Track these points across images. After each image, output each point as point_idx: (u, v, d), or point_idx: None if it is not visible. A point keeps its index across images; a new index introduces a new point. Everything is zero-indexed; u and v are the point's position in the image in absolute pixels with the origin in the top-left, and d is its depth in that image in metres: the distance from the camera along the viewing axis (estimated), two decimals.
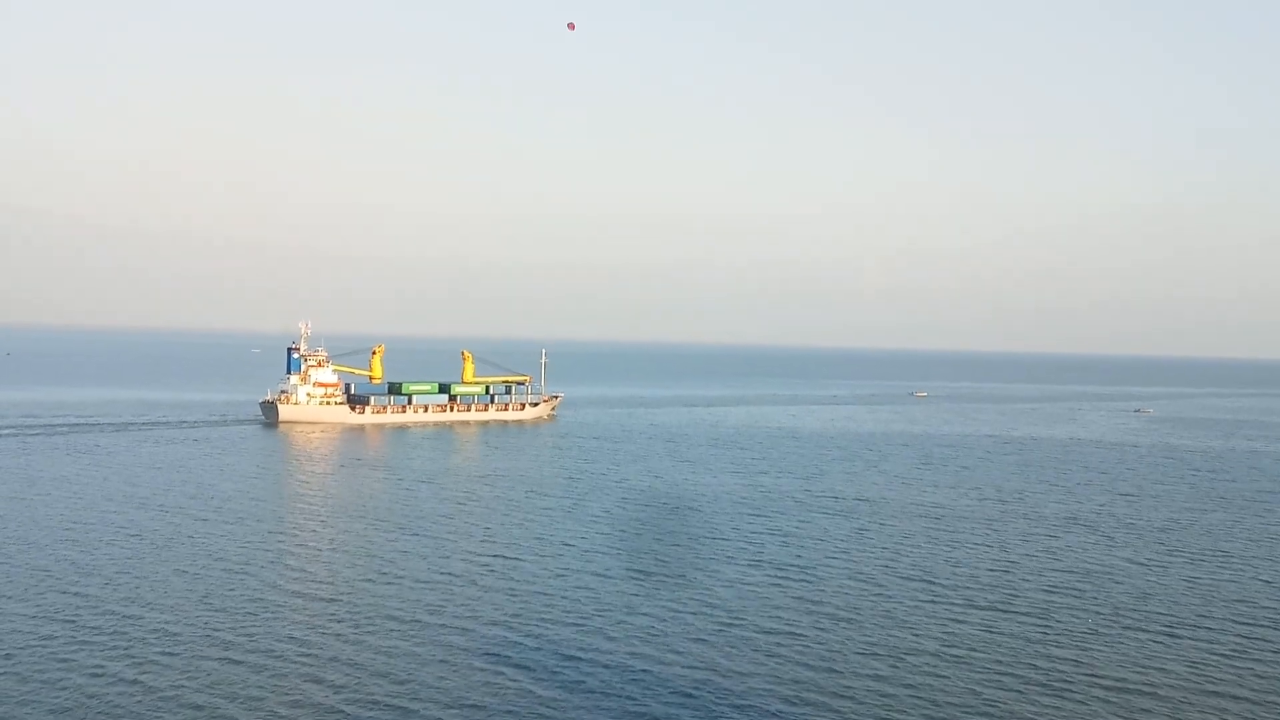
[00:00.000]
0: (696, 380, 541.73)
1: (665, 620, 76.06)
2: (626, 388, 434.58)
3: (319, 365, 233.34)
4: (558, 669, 64.83)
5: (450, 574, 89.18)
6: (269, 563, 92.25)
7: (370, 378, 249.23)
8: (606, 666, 65.55)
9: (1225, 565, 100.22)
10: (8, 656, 64.68)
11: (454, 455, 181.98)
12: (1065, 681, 64.65)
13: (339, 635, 70.87)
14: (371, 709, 57.58)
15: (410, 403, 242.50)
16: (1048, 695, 62.15)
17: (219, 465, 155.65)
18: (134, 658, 65.04)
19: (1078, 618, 79.52)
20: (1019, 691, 62.70)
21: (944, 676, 65.12)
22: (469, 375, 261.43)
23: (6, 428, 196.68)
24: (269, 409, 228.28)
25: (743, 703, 59.70)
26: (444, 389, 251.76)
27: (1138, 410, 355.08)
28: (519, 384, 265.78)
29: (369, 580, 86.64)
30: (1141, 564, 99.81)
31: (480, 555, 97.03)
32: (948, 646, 71.35)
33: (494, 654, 67.40)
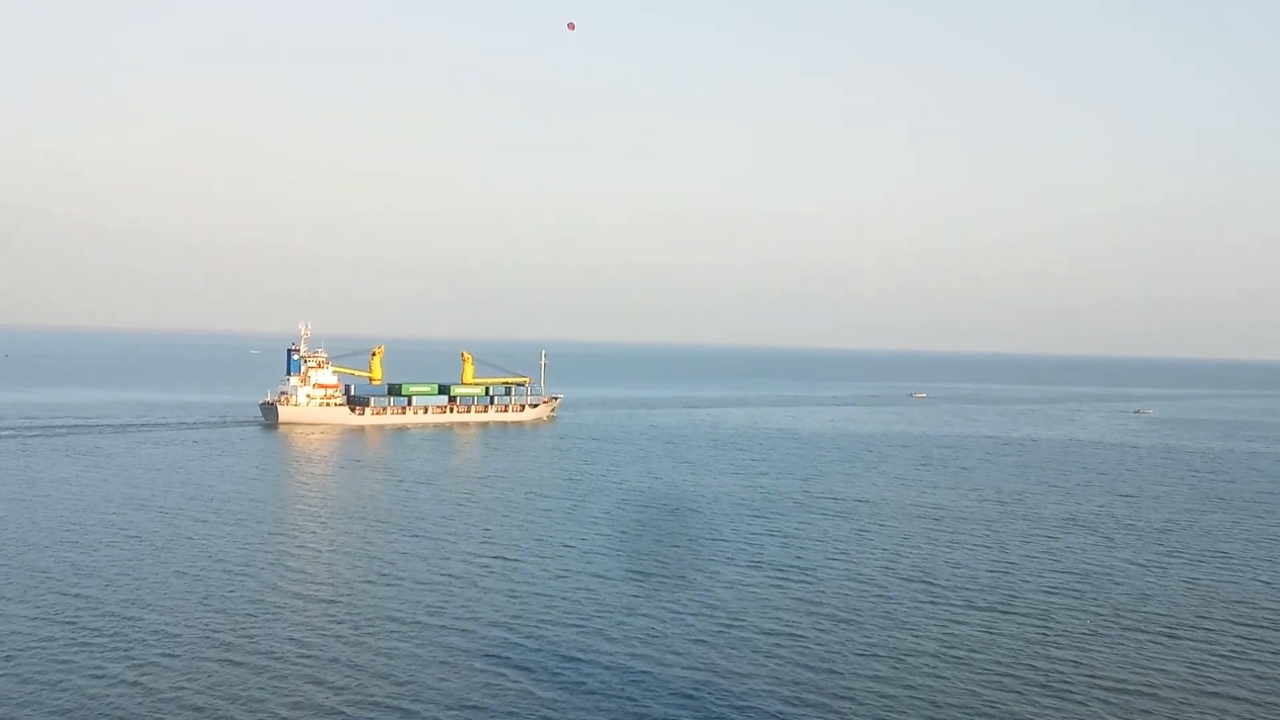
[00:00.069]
0: (696, 381, 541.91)
1: (665, 621, 76.11)
2: (626, 389, 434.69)
3: (319, 367, 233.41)
4: (558, 670, 64.88)
5: (450, 575, 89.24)
6: (269, 564, 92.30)
7: (370, 379, 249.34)
8: (607, 668, 65.60)
9: (1225, 566, 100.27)
10: (8, 658, 64.73)
11: (454, 456, 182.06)
12: (1065, 682, 64.69)
13: (339, 637, 70.92)
14: (372, 710, 57.62)
15: (410, 404, 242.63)
16: (1047, 696, 62.20)
17: (219, 467, 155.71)
18: (134, 659, 65.09)
19: (1077, 619, 79.57)
20: (1019, 692, 62.75)
21: (944, 677, 65.18)
22: (469, 376, 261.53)
23: (6, 429, 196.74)
24: (269, 410, 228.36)
25: (743, 704, 59.75)
26: (444, 390, 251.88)
27: (1137, 411, 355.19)
28: (519, 385, 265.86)
29: (369, 582, 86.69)
30: (1141, 565, 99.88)
31: (480, 557, 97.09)
32: (947, 648, 71.40)
33: (494, 655, 67.45)
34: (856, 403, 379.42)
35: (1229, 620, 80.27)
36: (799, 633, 74.16)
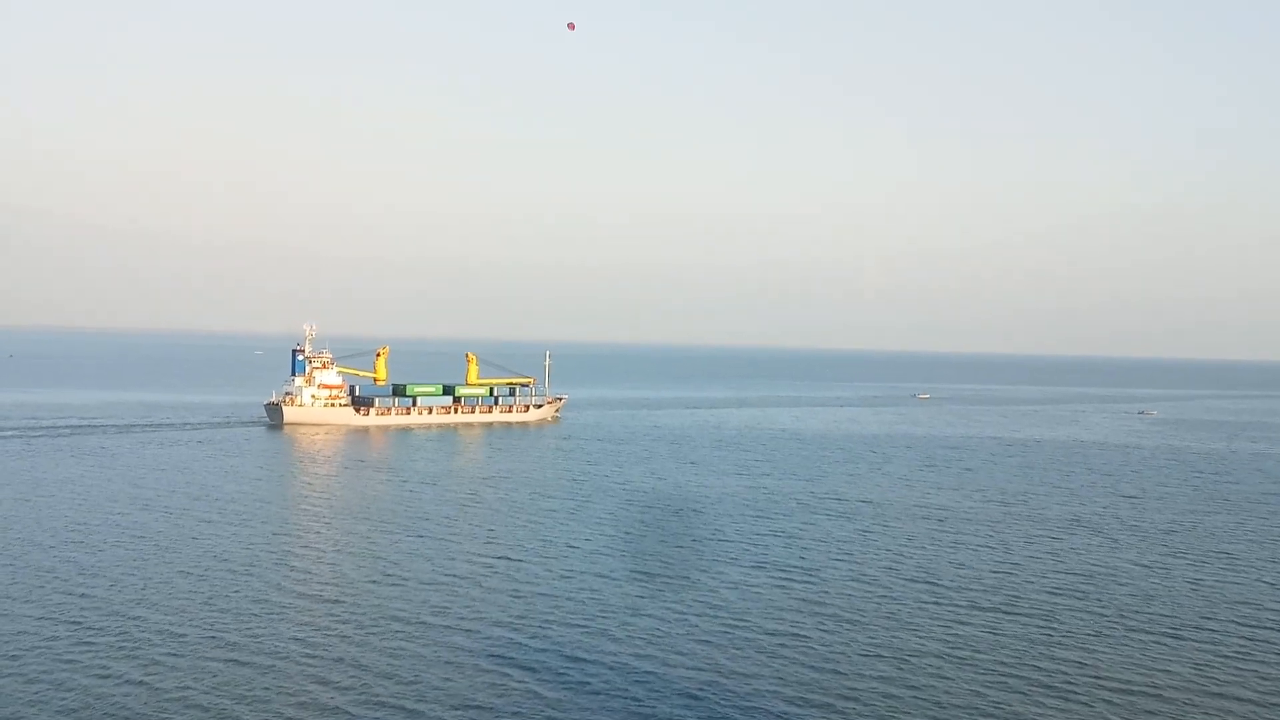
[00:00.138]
0: (697, 382, 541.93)
1: (670, 622, 76.18)
2: (627, 389, 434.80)
3: (324, 367, 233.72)
4: (563, 670, 64.97)
5: (455, 575, 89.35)
6: (274, 564, 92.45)
7: (375, 379, 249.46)
8: (611, 668, 65.69)
9: (1229, 567, 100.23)
10: (14, 658, 64.89)
11: (458, 457, 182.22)
12: (1069, 683, 64.71)
13: (344, 636, 71.04)
14: (377, 710, 57.73)
15: (414, 404, 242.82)
16: (1052, 697, 62.23)
17: (224, 467, 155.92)
18: (139, 659, 65.23)
19: (1081, 619, 79.57)
20: (1023, 693, 62.78)
21: (948, 678, 65.22)
22: (473, 377, 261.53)
23: (10, 429, 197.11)
24: (274, 411, 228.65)
25: (747, 704, 59.81)
26: (448, 391, 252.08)
27: (1141, 412, 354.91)
28: (523, 386, 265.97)
29: (374, 581, 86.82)
30: (1145, 566, 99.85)
31: (485, 557, 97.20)
32: (952, 648, 71.44)
33: (499, 655, 67.55)
34: (859, 403, 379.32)
35: (1233, 621, 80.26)
36: (803, 633, 74.23)
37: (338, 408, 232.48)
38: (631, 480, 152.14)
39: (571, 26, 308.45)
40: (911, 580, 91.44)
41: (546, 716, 57.34)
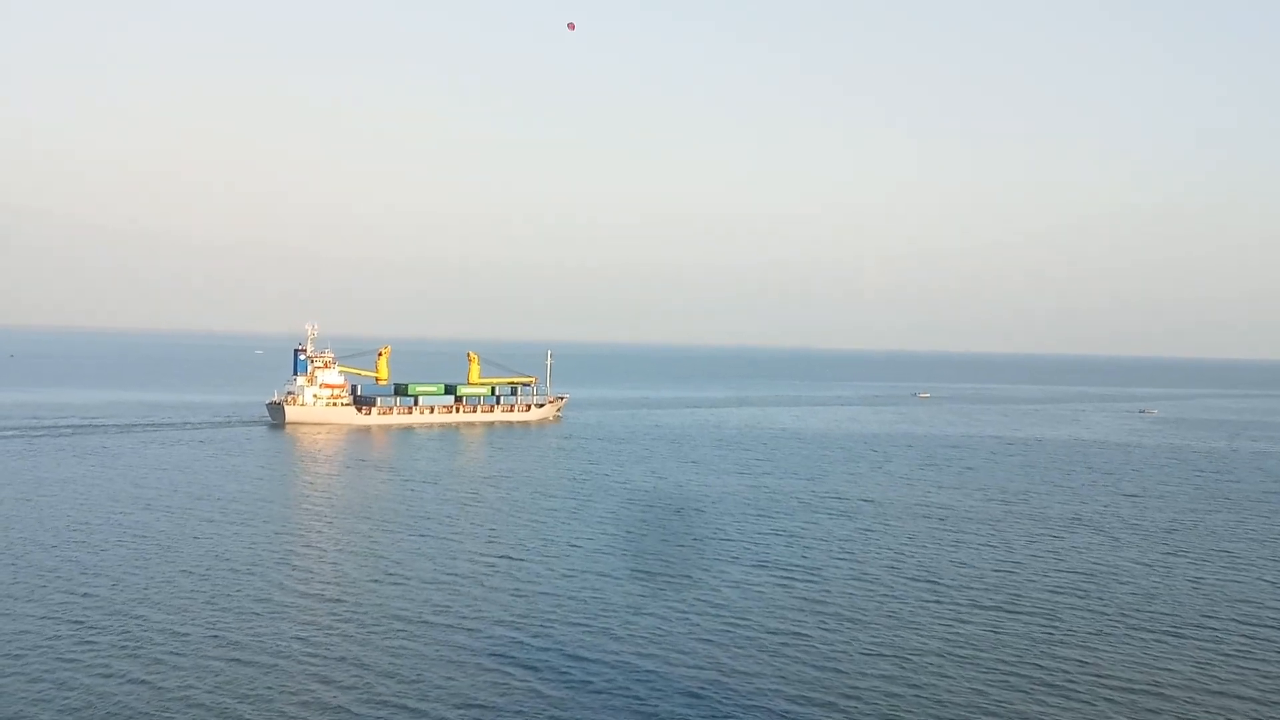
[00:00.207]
0: (698, 381, 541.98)
1: (671, 621, 76.26)
2: (628, 389, 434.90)
3: (325, 367, 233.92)
4: (564, 669, 65.04)
5: (456, 574, 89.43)
6: (276, 563, 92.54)
7: (376, 379, 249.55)
8: (613, 666, 65.75)
9: (1230, 566, 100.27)
10: (17, 657, 64.98)
11: (460, 456, 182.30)
12: (1071, 681, 64.77)
13: (346, 635, 71.12)
14: (379, 709, 57.81)
15: (416, 404, 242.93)
16: (1053, 695, 62.28)
17: (225, 466, 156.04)
18: (141, 658, 65.32)
19: (1083, 618, 79.63)
20: (1025, 691, 62.84)
21: (950, 676, 65.28)
22: (475, 376, 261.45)
23: (11, 429, 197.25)
24: (276, 410, 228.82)
25: (749, 703, 59.89)
26: (450, 390, 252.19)
27: (1142, 411, 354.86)
28: (525, 385, 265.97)
29: (376, 581, 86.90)
30: (1146, 564, 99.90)
31: (486, 556, 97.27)
32: (953, 646, 71.50)
33: (501, 654, 67.63)
34: (860, 402, 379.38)
35: (1234, 619, 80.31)
36: (804, 632, 74.29)
37: (340, 407, 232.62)
38: (633, 479, 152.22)
39: (571, 26, 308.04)
40: (913, 579, 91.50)
41: (549, 715, 57.41)
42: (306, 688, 60.72)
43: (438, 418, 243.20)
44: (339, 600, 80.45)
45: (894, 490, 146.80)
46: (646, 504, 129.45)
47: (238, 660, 65.22)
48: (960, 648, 71.28)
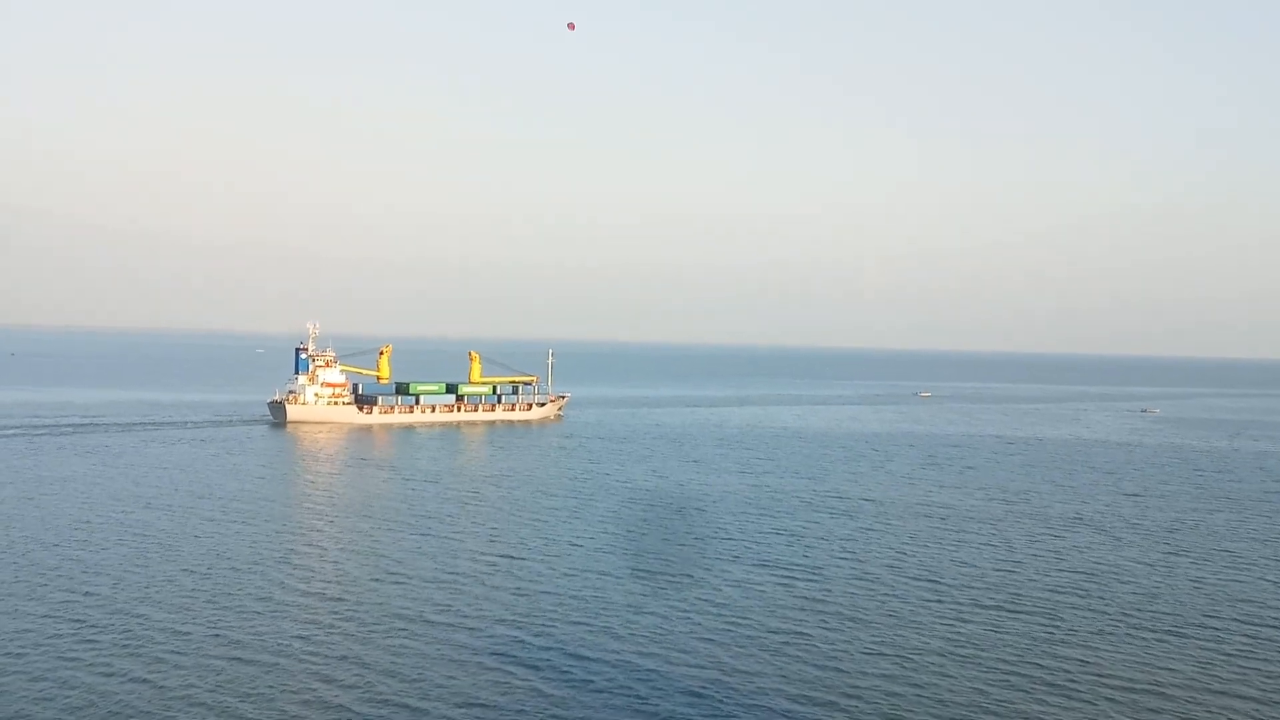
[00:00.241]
0: (698, 380, 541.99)
1: (672, 620, 76.26)
2: (629, 388, 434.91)
3: (327, 365, 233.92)
4: (566, 668, 65.05)
5: (458, 573, 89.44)
6: (277, 562, 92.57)
7: (378, 378, 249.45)
8: (614, 665, 65.76)
9: (1231, 565, 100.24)
10: (18, 655, 65.01)
11: (461, 455, 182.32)
12: (1072, 681, 64.76)
13: (348, 634, 71.14)
14: (380, 708, 57.82)
15: (418, 403, 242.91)
16: (1055, 695, 62.28)
17: (227, 465, 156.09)
18: (143, 656, 65.33)
19: (1084, 617, 79.61)
20: (1026, 691, 62.83)
21: (951, 676, 65.28)
22: (476, 375, 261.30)
23: (13, 428, 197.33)
24: (277, 409, 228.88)
25: (750, 702, 59.89)
26: (451, 389, 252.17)
27: (1144, 410, 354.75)
28: (526, 384, 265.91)
29: (377, 579, 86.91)
30: (1148, 564, 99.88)
31: (487, 555, 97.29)
32: (954, 646, 71.49)
33: (502, 653, 67.64)
34: (861, 402, 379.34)
35: (1236, 619, 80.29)
36: (806, 631, 74.29)
37: (341, 406, 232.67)
38: (633, 478, 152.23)
39: (571, 26, 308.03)
40: (914, 578, 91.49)
41: (550, 714, 57.42)
42: (308, 686, 60.74)
43: (439, 417, 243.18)
44: (340, 599, 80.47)
45: (895, 489, 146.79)
46: (647, 503, 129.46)
47: (239, 659, 65.24)
48: (961, 647, 71.28)
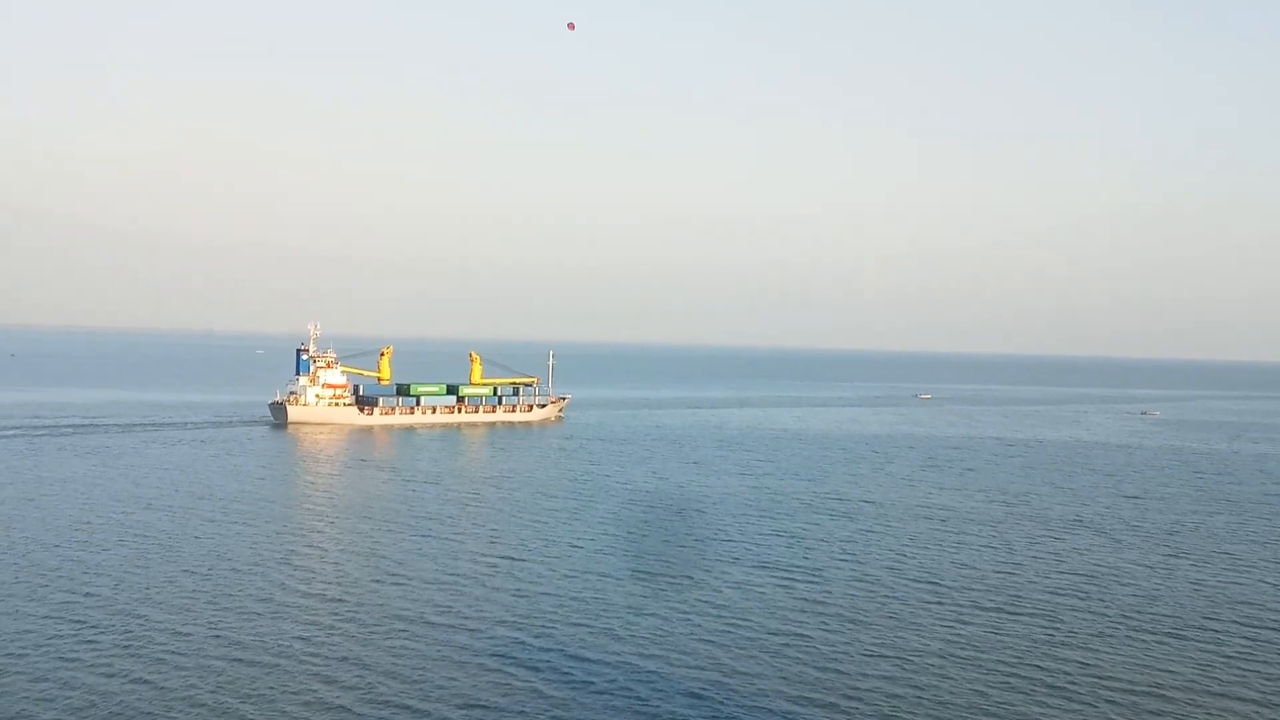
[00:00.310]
0: (698, 382, 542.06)
1: (673, 621, 76.32)
2: (629, 389, 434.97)
3: (328, 367, 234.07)
4: (566, 669, 65.10)
5: (458, 575, 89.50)
6: (278, 563, 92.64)
7: (378, 379, 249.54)
8: (614, 667, 65.82)
9: (1231, 568, 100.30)
10: (19, 656, 65.06)
11: (461, 457, 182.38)
12: (1072, 683, 64.81)
13: (348, 635, 71.20)
14: (381, 708, 57.88)
15: (418, 404, 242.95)
16: (1054, 696, 62.33)
17: (227, 466, 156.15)
18: (144, 657, 65.39)
19: (1084, 620, 79.67)
20: (1026, 693, 62.88)
21: (951, 678, 65.33)
22: (477, 377, 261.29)
23: (13, 428, 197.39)
24: (278, 410, 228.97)
25: (750, 703, 59.95)
26: (452, 390, 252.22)
27: (1144, 413, 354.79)
28: (527, 385, 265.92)
29: (377, 581, 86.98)
30: (1148, 566, 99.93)
31: (488, 556, 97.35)
32: (954, 648, 71.54)
33: (502, 654, 67.70)
34: (861, 403, 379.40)
35: (1235, 621, 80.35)
36: (806, 633, 74.35)
37: (342, 407, 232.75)
38: (634, 480, 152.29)
39: (571, 26, 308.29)
40: (914, 580, 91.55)
41: (551, 715, 57.48)
42: (309, 687, 60.81)
43: (440, 418, 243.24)
44: (341, 600, 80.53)
45: (895, 491, 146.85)
46: (648, 505, 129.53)
47: (240, 660, 65.30)
48: (962, 649, 71.34)
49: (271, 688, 60.53)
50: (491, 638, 71.29)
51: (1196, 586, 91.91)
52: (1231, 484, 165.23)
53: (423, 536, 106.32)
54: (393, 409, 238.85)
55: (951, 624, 77.56)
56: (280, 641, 69.25)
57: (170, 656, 65.57)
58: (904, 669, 66.80)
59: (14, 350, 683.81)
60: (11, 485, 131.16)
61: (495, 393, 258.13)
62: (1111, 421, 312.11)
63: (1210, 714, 60.17)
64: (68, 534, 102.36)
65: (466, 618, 76.07)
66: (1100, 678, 65.93)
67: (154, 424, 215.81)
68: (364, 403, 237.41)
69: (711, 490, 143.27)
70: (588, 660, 66.94)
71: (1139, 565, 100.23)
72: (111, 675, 62.01)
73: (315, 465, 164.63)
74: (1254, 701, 62.30)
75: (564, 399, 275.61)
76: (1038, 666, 67.88)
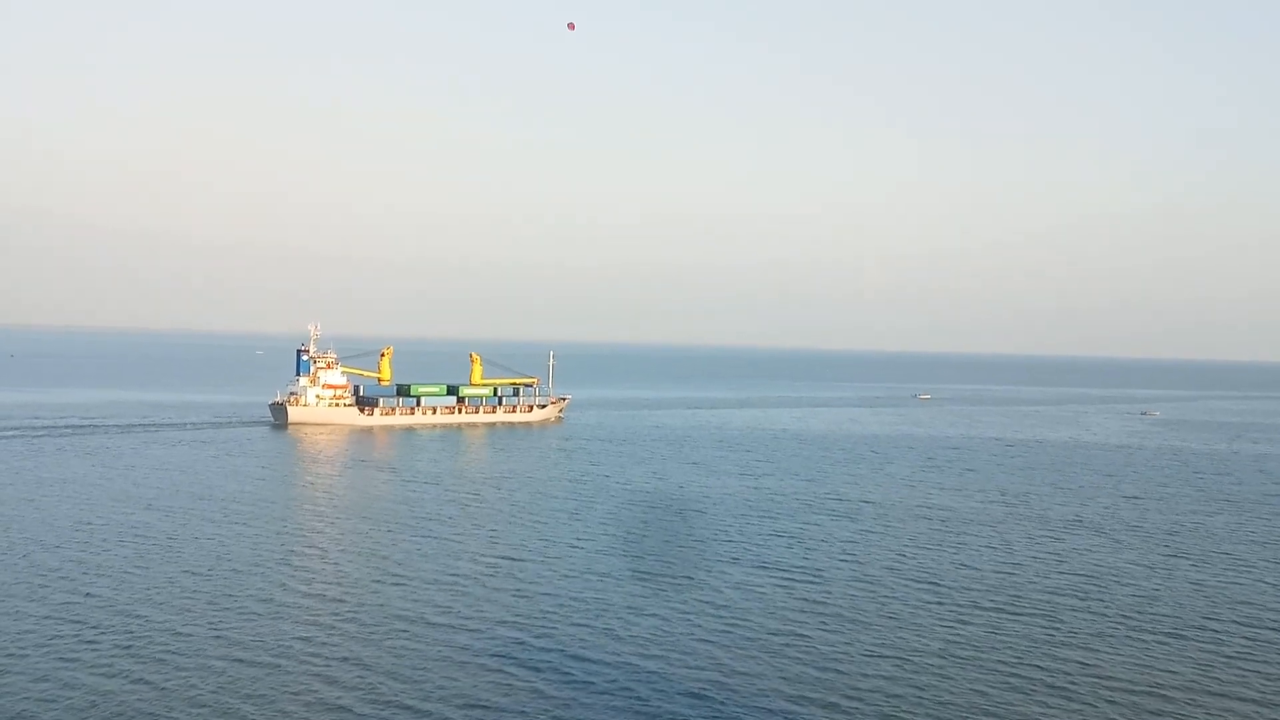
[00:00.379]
0: (698, 382, 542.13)
1: (673, 621, 76.37)
2: (629, 389, 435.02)
3: (328, 367, 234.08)
4: (566, 669, 65.16)
5: (458, 575, 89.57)
6: (278, 563, 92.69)
7: (379, 380, 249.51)
8: (614, 666, 65.88)
9: (1231, 568, 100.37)
10: (20, 656, 65.10)
11: (461, 457, 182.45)
12: (1071, 682, 64.87)
13: (349, 635, 71.25)
14: (382, 708, 57.94)
15: (419, 405, 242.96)
16: (1054, 696, 62.39)
17: (227, 467, 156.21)
18: (144, 657, 65.43)
19: (1084, 619, 79.74)
20: (1025, 692, 62.95)
21: (950, 677, 65.39)
22: (477, 377, 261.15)
23: (12, 429, 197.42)
24: (278, 410, 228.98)
25: (750, 703, 60.01)
26: (452, 391, 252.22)
27: (1144, 413, 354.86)
28: (527, 386, 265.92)
29: (377, 581, 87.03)
30: (1147, 566, 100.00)
31: (488, 556, 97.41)
32: (954, 648, 71.60)
33: (503, 654, 67.76)
34: (860, 404, 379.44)
35: (1235, 621, 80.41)
36: (806, 633, 74.41)
37: (342, 408, 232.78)
38: (634, 480, 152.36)
39: (571, 26, 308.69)
40: (914, 580, 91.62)
41: (551, 715, 57.54)
42: (309, 687, 60.87)
43: (440, 419, 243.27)
44: (341, 600, 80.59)
45: (895, 492, 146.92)
46: (648, 505, 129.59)
47: (241, 660, 65.35)
48: (961, 649, 71.40)
49: (272, 688, 60.58)
50: (492, 638, 71.36)
51: (1196, 586, 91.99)
52: (1232, 484, 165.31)
53: (423, 537, 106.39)
54: (393, 409, 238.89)
55: (951, 624, 77.63)
56: (281, 642, 69.31)
57: (171, 657, 65.63)
58: (904, 669, 66.87)
59: (14, 350, 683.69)
60: (11, 485, 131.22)
61: (495, 393, 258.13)
62: (1111, 421, 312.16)
63: (1210, 714, 60.24)
64: (68, 534, 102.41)
65: (467, 618, 76.13)
66: (1100, 677, 66.00)
67: (154, 424, 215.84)
68: (364, 403, 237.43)
69: (711, 491, 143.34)
70: (588, 660, 67.00)
71: (1139, 565, 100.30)
72: (112, 675, 62.06)
73: (315, 466, 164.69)
74: (1254, 701, 62.37)
75: (564, 399, 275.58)
76: (1038, 666, 67.95)
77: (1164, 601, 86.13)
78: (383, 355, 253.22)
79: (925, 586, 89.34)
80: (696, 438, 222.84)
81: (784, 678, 64.59)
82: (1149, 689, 64.11)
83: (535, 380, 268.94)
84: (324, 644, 69.12)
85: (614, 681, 63.10)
